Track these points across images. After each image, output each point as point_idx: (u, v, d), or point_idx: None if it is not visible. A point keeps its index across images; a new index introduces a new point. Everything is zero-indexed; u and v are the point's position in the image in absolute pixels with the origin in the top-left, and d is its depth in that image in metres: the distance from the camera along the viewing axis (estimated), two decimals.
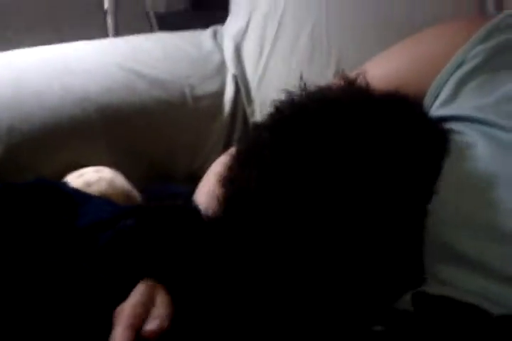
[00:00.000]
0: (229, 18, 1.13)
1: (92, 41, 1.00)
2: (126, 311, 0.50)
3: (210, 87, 1.01)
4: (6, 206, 0.56)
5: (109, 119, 0.88)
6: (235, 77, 1.03)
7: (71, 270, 0.54)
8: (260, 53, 1.05)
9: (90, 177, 0.78)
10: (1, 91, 0.81)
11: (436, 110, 0.63)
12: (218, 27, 1.14)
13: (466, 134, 0.59)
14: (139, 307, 0.50)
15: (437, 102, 0.63)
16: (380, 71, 0.71)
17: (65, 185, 0.64)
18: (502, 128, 0.56)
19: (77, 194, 0.67)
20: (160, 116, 0.94)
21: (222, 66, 1.06)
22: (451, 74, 0.63)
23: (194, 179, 0.82)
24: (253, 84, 1.02)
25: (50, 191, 0.60)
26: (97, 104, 0.87)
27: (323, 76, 0.94)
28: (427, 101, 0.65)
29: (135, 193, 0.82)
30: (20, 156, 0.80)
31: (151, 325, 0.48)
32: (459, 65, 0.63)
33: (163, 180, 0.92)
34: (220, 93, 1.00)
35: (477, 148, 0.57)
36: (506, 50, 0.62)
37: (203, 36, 1.12)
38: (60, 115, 0.84)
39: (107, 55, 0.96)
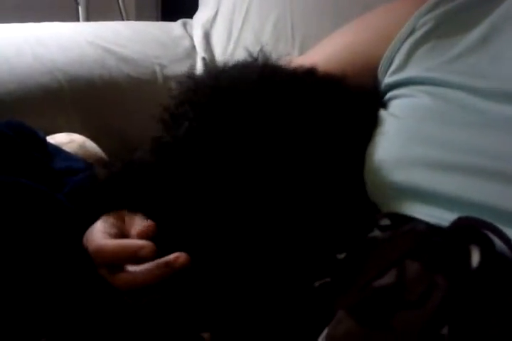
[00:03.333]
0: (198, 11, 1.17)
1: (63, 23, 1.01)
2: (99, 227, 0.49)
3: (180, 68, 1.02)
4: None
5: (80, 90, 0.88)
6: (204, 60, 1.05)
7: (49, 205, 0.52)
8: (228, 39, 1.08)
9: (62, 139, 0.77)
10: None
11: (388, 77, 0.66)
12: (188, 19, 1.17)
13: (414, 96, 0.61)
14: (109, 227, 0.50)
15: (390, 70, 0.66)
16: (333, 47, 0.74)
17: (36, 130, 0.63)
18: (450, 85, 0.59)
19: (48, 144, 0.66)
20: (130, 91, 0.94)
21: (192, 50, 1.08)
22: (403, 43, 0.66)
23: None
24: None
25: (21, 129, 0.59)
26: (67, 74, 0.87)
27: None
28: (381, 70, 0.67)
29: (105, 158, 0.82)
30: None
31: (140, 229, 0.48)
32: (410, 33, 0.66)
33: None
34: None
35: (420, 105, 0.60)
36: (454, 16, 0.66)
37: (173, 25, 1.14)
38: (29, 82, 0.84)
39: (77, 33, 0.97)
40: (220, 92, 0.55)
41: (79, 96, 0.89)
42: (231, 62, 0.61)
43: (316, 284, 0.45)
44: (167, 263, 0.46)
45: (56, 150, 0.68)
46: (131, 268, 0.47)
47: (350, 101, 0.59)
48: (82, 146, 0.79)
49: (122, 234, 0.50)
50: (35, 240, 0.47)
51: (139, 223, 0.50)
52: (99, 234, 0.49)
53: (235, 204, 0.50)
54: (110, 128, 0.93)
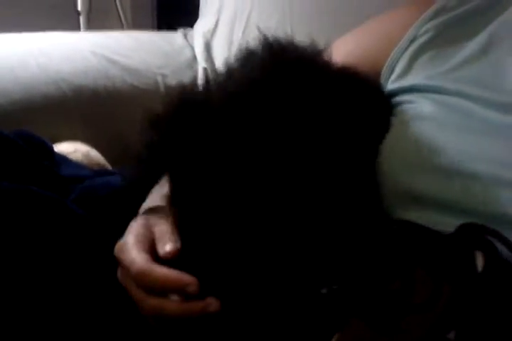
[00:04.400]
0: (198, 20, 1.18)
1: (66, 32, 1.03)
2: (130, 240, 0.49)
3: (181, 78, 1.04)
4: None
5: (84, 100, 0.90)
6: (206, 70, 1.07)
7: (61, 213, 0.53)
8: (229, 49, 1.09)
9: (66, 148, 0.79)
10: None
11: (391, 84, 0.67)
12: (188, 29, 1.19)
13: (416, 102, 0.62)
14: (141, 237, 0.50)
15: (392, 77, 0.67)
16: (336, 55, 0.76)
17: (44, 139, 0.65)
18: (452, 93, 0.60)
19: (55, 153, 0.67)
20: (133, 101, 0.96)
21: (193, 61, 1.09)
22: (405, 50, 0.67)
23: None
24: None
25: (30, 139, 0.60)
26: (72, 84, 0.89)
27: None
28: (383, 76, 0.68)
29: (109, 167, 0.83)
30: None
31: (167, 247, 0.48)
32: (412, 41, 0.67)
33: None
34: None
35: (424, 112, 0.61)
36: (454, 24, 0.67)
37: (174, 35, 1.16)
38: (34, 92, 0.85)
39: (80, 43, 0.98)
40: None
41: (83, 106, 0.90)
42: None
43: (324, 291, 0.46)
44: (203, 308, 0.46)
45: (63, 159, 0.69)
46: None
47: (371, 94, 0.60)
48: (86, 155, 0.80)
49: (152, 246, 0.50)
50: (47, 246, 0.48)
51: (166, 236, 0.50)
52: (138, 251, 0.49)
53: (246, 199, 0.50)
54: (113, 137, 0.94)
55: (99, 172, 0.70)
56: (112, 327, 0.50)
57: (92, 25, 1.17)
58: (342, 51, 0.75)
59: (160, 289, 0.48)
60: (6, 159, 0.56)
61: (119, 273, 0.51)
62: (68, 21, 1.17)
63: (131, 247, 0.50)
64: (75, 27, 1.17)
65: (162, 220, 0.52)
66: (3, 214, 0.47)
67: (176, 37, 1.14)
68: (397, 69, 0.67)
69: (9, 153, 0.56)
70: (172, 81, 1.01)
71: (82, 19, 1.20)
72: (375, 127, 0.61)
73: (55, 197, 0.49)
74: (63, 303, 0.49)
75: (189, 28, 1.19)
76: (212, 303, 0.46)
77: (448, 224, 0.47)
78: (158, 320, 0.48)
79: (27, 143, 0.60)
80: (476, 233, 0.42)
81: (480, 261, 0.39)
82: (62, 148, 0.79)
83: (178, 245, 0.49)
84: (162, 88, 1.00)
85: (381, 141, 0.61)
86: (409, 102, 0.64)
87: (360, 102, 0.59)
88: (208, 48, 1.11)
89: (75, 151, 0.78)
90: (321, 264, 0.48)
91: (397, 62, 0.67)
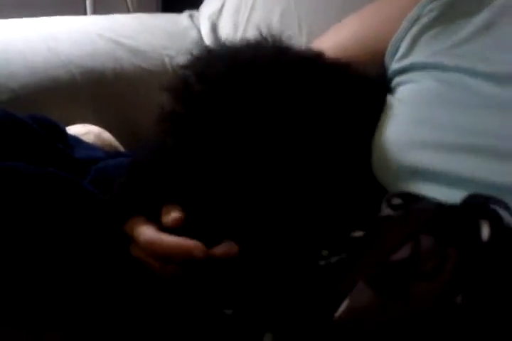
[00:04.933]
0: (204, 3, 1.19)
1: (73, 16, 1.03)
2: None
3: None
4: (6, 131, 0.57)
5: (93, 83, 0.91)
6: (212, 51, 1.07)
7: (76, 194, 0.55)
8: (235, 31, 1.10)
9: (78, 130, 0.80)
10: None
11: (395, 63, 0.68)
12: (194, 11, 1.19)
13: (420, 81, 0.63)
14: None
15: (396, 57, 0.68)
16: (341, 36, 0.76)
17: (57, 122, 0.66)
18: (454, 69, 0.61)
19: (69, 135, 0.69)
20: (141, 82, 0.97)
21: (199, 42, 1.10)
22: (408, 30, 0.68)
23: None
24: None
25: (44, 122, 0.62)
26: (81, 67, 0.90)
27: None
28: (387, 56, 0.69)
29: (122, 148, 0.84)
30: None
31: (172, 215, 0.51)
32: (415, 20, 0.68)
33: None
34: None
35: (425, 89, 0.62)
36: (458, 3, 0.68)
37: (180, 17, 1.16)
38: (43, 75, 0.86)
39: (88, 26, 0.99)
40: (234, 67, 0.56)
41: (92, 88, 0.91)
42: (243, 41, 0.62)
43: (333, 260, 0.48)
44: (225, 251, 0.49)
45: (76, 141, 0.70)
46: None
47: (356, 86, 0.61)
48: (98, 137, 0.82)
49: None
50: (65, 227, 0.50)
51: (170, 210, 0.52)
52: (148, 225, 0.52)
53: (246, 183, 0.52)
54: (123, 118, 0.95)
55: (111, 153, 0.72)
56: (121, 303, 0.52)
57: (98, 9, 1.18)
58: (346, 32, 0.75)
59: (169, 255, 0.50)
60: (21, 142, 0.58)
61: (132, 248, 0.54)
62: (74, 6, 1.18)
63: (139, 221, 0.52)
64: (81, 12, 1.17)
65: None
66: (22, 195, 0.49)
67: (182, 18, 1.15)
68: (401, 49, 0.68)
69: (24, 137, 0.58)
70: (179, 62, 1.02)
71: (88, 3, 1.20)
72: (367, 113, 0.62)
73: (72, 179, 0.51)
74: (79, 278, 0.51)
75: (195, 10, 1.20)
76: (231, 247, 0.49)
77: (451, 196, 0.49)
78: (181, 278, 0.50)
79: (41, 126, 0.61)
80: (481, 203, 0.44)
81: (486, 230, 0.41)
82: (75, 130, 0.80)
83: (182, 215, 0.51)
84: (170, 69, 1.01)
85: (375, 126, 0.62)
86: (412, 81, 0.64)
87: (346, 89, 0.59)
88: (214, 30, 1.12)
89: (87, 133, 0.80)
90: (324, 234, 0.50)
91: (401, 41, 0.68)
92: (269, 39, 0.58)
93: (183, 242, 0.50)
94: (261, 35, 0.59)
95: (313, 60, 0.57)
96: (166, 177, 0.54)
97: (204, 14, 1.14)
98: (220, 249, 0.50)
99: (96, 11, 1.18)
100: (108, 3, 1.20)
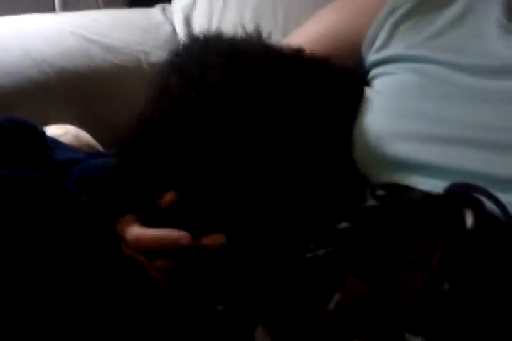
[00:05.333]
0: None
1: (43, 14, 1.02)
2: (132, 217, 0.52)
3: (163, 54, 1.04)
4: None
5: (68, 82, 0.90)
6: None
7: (59, 196, 0.54)
8: (209, 21, 1.09)
9: (56, 131, 0.79)
10: None
11: (372, 55, 0.68)
12: (166, 4, 1.18)
13: (397, 73, 0.64)
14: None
15: (373, 48, 0.68)
16: (318, 28, 0.76)
17: (35, 124, 0.65)
18: (430, 61, 0.62)
19: (47, 137, 0.68)
20: (116, 79, 0.96)
21: (173, 36, 1.09)
22: (385, 21, 0.68)
23: None
24: None
25: (22, 125, 0.61)
26: (55, 66, 0.89)
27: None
28: (364, 48, 0.69)
29: (100, 147, 0.84)
30: None
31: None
32: (392, 12, 0.68)
33: None
34: None
35: (404, 81, 0.62)
36: None
37: (152, 10, 1.15)
38: (17, 75, 0.85)
39: (59, 24, 0.97)
40: (222, 63, 0.56)
41: (67, 87, 0.90)
42: (221, 34, 0.62)
43: (321, 253, 0.48)
44: (212, 241, 0.49)
45: (55, 142, 0.69)
46: None
47: (334, 80, 0.61)
48: (76, 137, 0.81)
49: None
50: (52, 231, 0.49)
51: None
52: (135, 223, 0.51)
53: (230, 178, 0.52)
54: (100, 117, 0.94)
55: (92, 154, 0.71)
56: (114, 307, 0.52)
57: (67, 6, 1.16)
58: (323, 24, 0.75)
59: (156, 248, 0.50)
60: (1, 146, 0.57)
61: (122, 247, 0.53)
62: (42, 2, 1.16)
63: (125, 220, 0.52)
64: (50, 8, 1.15)
65: None
66: (6, 201, 0.48)
67: (154, 13, 1.13)
68: (378, 41, 0.68)
69: (4, 140, 0.57)
70: (154, 58, 1.02)
71: (57, 0, 1.18)
72: (346, 106, 0.62)
73: (56, 181, 0.50)
74: (68, 281, 0.51)
75: (167, 3, 1.19)
76: (218, 237, 0.49)
77: (434, 187, 0.50)
78: (171, 274, 0.50)
79: (19, 129, 0.60)
80: (464, 191, 0.45)
81: (470, 218, 0.42)
82: (52, 131, 0.79)
83: (174, 196, 0.51)
84: (145, 65, 1.00)
85: (354, 118, 0.62)
86: (390, 73, 0.65)
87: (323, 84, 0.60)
88: (188, 22, 1.11)
89: (64, 133, 0.79)
90: (311, 228, 0.51)
91: (378, 33, 0.68)
92: (254, 35, 0.59)
93: (168, 232, 0.50)
94: (245, 31, 0.59)
95: (295, 57, 0.58)
96: (154, 173, 0.54)
97: (177, 7, 1.12)
98: (207, 239, 0.50)
99: (64, 8, 1.16)
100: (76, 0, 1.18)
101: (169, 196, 0.51)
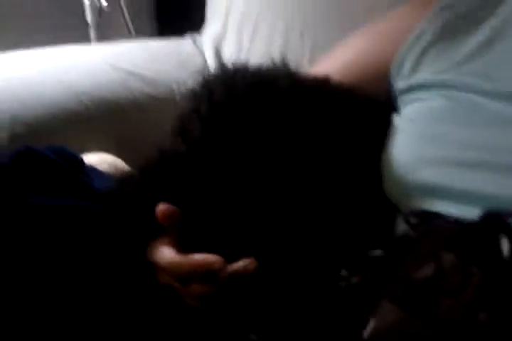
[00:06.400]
0: (205, 25, 1.21)
1: (81, 46, 1.06)
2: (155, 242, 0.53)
3: (194, 86, 1.07)
4: (28, 166, 0.58)
5: (106, 112, 0.93)
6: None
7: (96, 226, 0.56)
8: (239, 51, 1.12)
9: (93, 160, 0.81)
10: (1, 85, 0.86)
11: (400, 82, 0.69)
12: (195, 34, 1.21)
13: (427, 99, 0.64)
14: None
15: (401, 75, 0.69)
16: (346, 55, 0.78)
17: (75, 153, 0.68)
18: (460, 87, 0.62)
19: (86, 165, 0.70)
20: (152, 111, 0.99)
21: (204, 67, 1.12)
22: (412, 47, 0.69)
23: None
24: None
25: (63, 153, 0.63)
26: (93, 97, 0.92)
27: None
28: (392, 75, 0.70)
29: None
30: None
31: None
32: (418, 38, 0.69)
33: None
34: None
35: (434, 108, 0.63)
36: (458, 20, 0.69)
37: (184, 42, 1.19)
38: (57, 107, 0.88)
39: (96, 56, 1.01)
40: (237, 97, 0.57)
41: (104, 117, 0.93)
42: (248, 67, 0.63)
43: (354, 281, 0.49)
44: (244, 267, 0.50)
45: (93, 171, 0.71)
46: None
47: (361, 110, 0.62)
48: (112, 166, 0.83)
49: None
50: (100, 256, 0.51)
51: None
52: (167, 247, 0.52)
53: (258, 207, 0.53)
54: (136, 147, 0.97)
55: None
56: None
57: (101, 33, 1.21)
58: (351, 51, 0.77)
59: (191, 273, 0.51)
60: (43, 176, 0.59)
61: (158, 276, 0.54)
62: (77, 30, 1.21)
63: (156, 246, 0.53)
64: (85, 37, 1.20)
65: None
66: (51, 229, 0.50)
67: (186, 44, 1.17)
68: (407, 66, 0.69)
69: (46, 170, 0.59)
70: (185, 89, 1.04)
71: (91, 30, 1.23)
72: (375, 135, 0.63)
73: (98, 210, 0.52)
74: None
75: (196, 34, 1.22)
76: (251, 262, 0.50)
77: (462, 212, 0.50)
78: (206, 300, 0.51)
79: (60, 157, 0.63)
80: (499, 219, 0.45)
81: (506, 245, 0.42)
82: (89, 159, 0.82)
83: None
84: (178, 96, 1.03)
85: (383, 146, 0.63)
86: (419, 99, 0.66)
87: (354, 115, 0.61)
88: (217, 53, 1.14)
89: (102, 162, 0.81)
90: (343, 256, 0.51)
91: (406, 59, 0.69)
92: (282, 67, 0.60)
93: (202, 257, 0.51)
94: (273, 62, 0.61)
95: (321, 88, 0.59)
96: (180, 198, 0.55)
97: (207, 37, 1.15)
98: (239, 264, 0.50)
99: (99, 36, 1.20)
100: (108, 28, 1.23)
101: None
